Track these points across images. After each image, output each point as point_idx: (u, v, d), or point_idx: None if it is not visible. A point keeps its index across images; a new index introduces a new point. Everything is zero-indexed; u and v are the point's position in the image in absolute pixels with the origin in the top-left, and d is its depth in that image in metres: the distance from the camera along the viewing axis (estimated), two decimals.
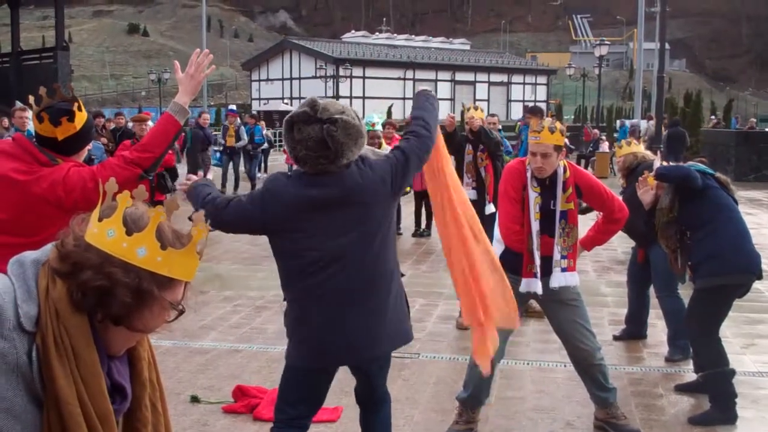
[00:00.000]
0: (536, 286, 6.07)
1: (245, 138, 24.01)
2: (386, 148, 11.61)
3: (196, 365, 7.88)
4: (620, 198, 6.65)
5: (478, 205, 9.82)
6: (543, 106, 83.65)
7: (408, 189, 16.54)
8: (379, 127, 12.10)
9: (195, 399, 6.88)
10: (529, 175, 6.09)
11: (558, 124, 6.04)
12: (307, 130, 4.02)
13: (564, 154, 6.17)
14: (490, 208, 9.74)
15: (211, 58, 4.75)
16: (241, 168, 24.62)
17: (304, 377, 4.46)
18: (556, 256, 6.09)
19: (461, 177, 10.00)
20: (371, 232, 4.22)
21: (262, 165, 28.42)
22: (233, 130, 23.65)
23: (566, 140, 7.21)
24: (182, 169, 19.45)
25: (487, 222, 9.04)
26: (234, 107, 28.81)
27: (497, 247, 6.40)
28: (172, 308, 2.18)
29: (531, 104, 28.44)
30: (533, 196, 6.07)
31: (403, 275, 4.69)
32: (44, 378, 2.01)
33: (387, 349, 4.52)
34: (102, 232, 2.06)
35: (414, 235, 16.41)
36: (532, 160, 6.03)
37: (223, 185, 23.51)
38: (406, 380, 7.52)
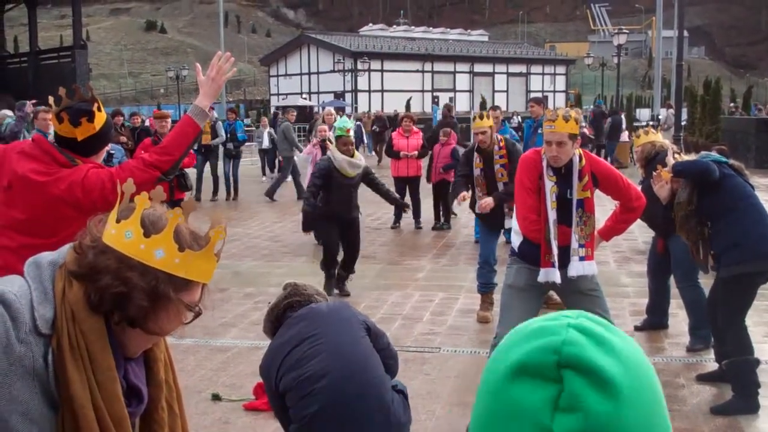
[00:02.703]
0: (554, 275, 6.06)
1: (222, 135, 21.41)
2: (359, 156, 11.23)
3: (217, 363, 7.90)
4: (638, 187, 6.63)
5: (496, 217, 9.36)
6: (562, 96, 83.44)
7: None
8: (352, 133, 11.64)
9: (216, 397, 6.90)
10: (544, 164, 6.08)
11: (572, 113, 6.02)
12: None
13: (579, 143, 6.16)
14: (509, 223, 9.01)
15: (232, 62, 4.76)
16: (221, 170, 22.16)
17: None
18: (574, 244, 6.08)
19: (473, 189, 9.61)
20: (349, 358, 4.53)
21: (275, 164, 26.15)
22: (208, 126, 20.26)
23: (585, 130, 7.20)
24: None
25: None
26: None
27: (515, 239, 6.41)
28: (188, 310, 2.18)
29: (549, 95, 28.72)
30: (549, 185, 6.06)
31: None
32: (59, 381, 2.02)
33: None
34: (120, 234, 2.06)
35: (434, 228, 16.33)
36: (547, 149, 6.03)
37: (198, 189, 20.81)
38: (427, 375, 7.53)
